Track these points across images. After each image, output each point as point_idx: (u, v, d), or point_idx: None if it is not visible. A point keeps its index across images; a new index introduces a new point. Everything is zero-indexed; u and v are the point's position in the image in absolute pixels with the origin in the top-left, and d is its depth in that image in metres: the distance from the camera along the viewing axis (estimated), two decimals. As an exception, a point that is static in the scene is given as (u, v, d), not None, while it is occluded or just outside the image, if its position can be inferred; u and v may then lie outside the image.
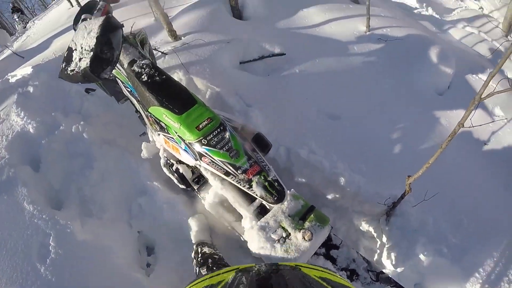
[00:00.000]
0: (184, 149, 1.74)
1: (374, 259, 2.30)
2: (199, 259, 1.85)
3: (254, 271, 0.57)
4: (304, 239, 1.63)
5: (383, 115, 2.92)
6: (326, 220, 1.76)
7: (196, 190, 2.23)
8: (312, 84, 3.00)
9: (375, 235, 2.34)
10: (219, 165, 1.59)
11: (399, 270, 2.17)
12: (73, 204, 2.35)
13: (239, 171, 1.58)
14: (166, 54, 2.90)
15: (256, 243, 1.65)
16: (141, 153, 2.28)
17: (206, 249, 1.94)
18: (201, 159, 1.63)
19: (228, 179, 1.63)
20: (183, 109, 1.66)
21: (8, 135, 2.71)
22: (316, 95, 2.92)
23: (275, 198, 1.53)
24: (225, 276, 0.59)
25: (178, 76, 2.74)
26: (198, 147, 1.61)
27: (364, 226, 2.36)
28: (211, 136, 1.60)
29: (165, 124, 1.77)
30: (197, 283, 0.62)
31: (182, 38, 3.16)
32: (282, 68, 3.12)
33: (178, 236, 2.26)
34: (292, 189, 1.93)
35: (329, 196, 2.40)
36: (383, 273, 1.98)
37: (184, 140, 1.68)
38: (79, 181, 2.44)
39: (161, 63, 2.85)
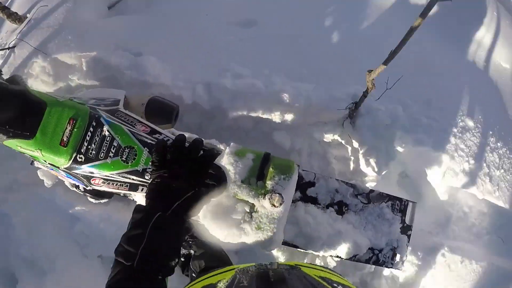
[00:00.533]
0: (67, 177, 1.26)
1: (351, 168, 1.98)
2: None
3: (253, 271, 0.57)
4: (274, 205, 1.20)
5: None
6: (290, 165, 1.30)
7: (126, 193, 1.76)
8: (207, -6, 2.30)
9: (342, 142, 1.97)
10: (117, 181, 1.15)
11: (384, 173, 1.82)
12: (24, 273, 2.03)
13: (147, 176, 1.13)
14: (14, 47, 2.17)
15: (220, 233, 1.24)
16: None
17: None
18: (90, 183, 1.18)
19: (138, 193, 1.21)
20: (33, 127, 1.13)
21: None
22: (218, 6, 2.26)
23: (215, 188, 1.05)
24: (225, 276, 0.57)
25: (39, 64, 2.09)
26: (78, 170, 1.15)
27: (328, 137, 1.97)
28: (85, 144, 1.12)
29: (30, 156, 1.26)
30: (196, 283, 0.60)
31: (28, 15, 2.37)
32: (164, -10, 2.38)
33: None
34: (231, 143, 1.46)
35: (277, 119, 1.96)
36: (373, 191, 1.65)
37: (59, 167, 1.20)
38: (11, 246, 2.07)
39: (13, 62, 2.14)
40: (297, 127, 1.95)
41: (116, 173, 1.13)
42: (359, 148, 1.86)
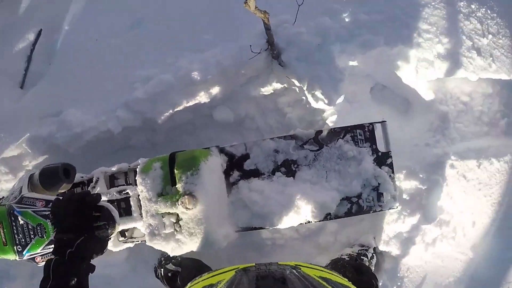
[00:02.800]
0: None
1: (308, 110, 1.65)
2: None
3: (253, 271, 0.57)
4: (188, 208, 1.16)
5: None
6: (194, 156, 1.25)
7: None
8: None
9: (286, 86, 1.65)
10: (46, 253, 1.31)
11: (339, 101, 1.48)
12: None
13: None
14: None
15: (165, 249, 1.27)
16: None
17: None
18: (36, 262, 1.36)
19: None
20: None
21: None
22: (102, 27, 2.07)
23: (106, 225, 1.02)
24: (225, 276, 0.59)
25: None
26: (24, 257, 1.33)
27: (267, 89, 1.68)
28: (16, 237, 1.32)
29: None
30: (196, 283, 0.62)
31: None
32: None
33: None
34: (139, 160, 1.40)
35: (205, 99, 1.72)
36: (320, 131, 1.36)
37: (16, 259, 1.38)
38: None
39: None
40: (231, 95, 1.71)
41: (42, 248, 1.27)
42: (301, 85, 1.54)
